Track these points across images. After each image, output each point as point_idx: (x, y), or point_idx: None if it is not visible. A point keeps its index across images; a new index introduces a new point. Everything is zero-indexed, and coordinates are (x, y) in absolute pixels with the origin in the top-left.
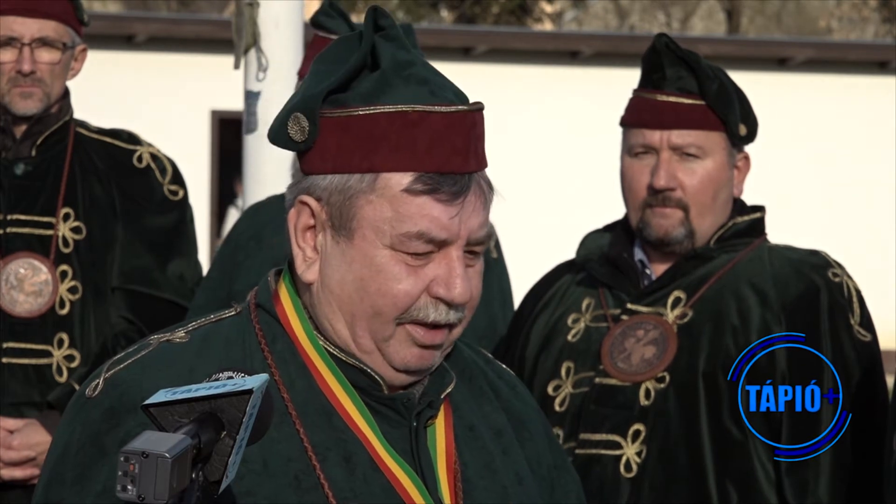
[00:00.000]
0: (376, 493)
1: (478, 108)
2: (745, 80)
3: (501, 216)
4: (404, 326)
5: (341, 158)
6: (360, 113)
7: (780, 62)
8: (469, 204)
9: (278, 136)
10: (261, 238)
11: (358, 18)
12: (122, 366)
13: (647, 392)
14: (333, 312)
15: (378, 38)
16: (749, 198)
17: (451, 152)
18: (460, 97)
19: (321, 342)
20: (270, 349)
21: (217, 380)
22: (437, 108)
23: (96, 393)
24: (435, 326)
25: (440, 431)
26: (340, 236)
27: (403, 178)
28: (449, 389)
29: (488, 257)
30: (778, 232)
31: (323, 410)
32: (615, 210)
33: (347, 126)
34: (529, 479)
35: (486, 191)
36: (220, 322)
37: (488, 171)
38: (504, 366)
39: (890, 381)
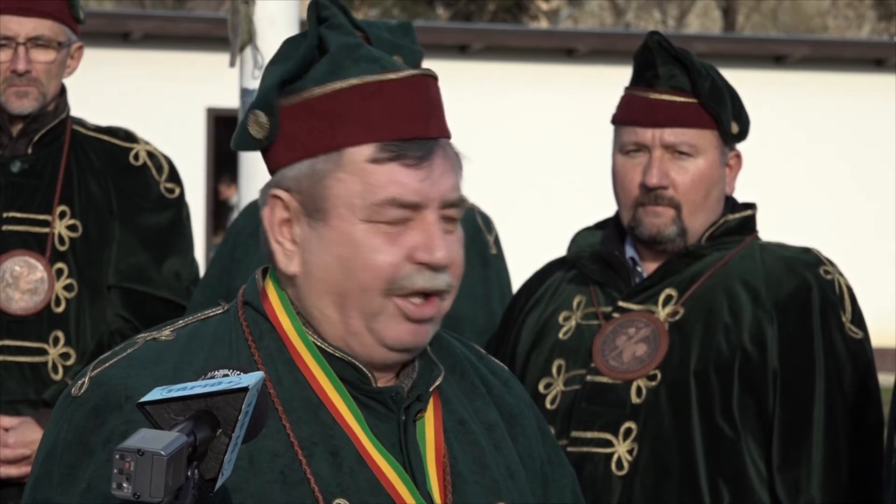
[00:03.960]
0: (363, 488)
1: (430, 74)
2: (741, 78)
3: (498, 212)
4: (393, 301)
5: (304, 144)
6: (317, 94)
7: (776, 60)
8: (437, 167)
9: (241, 138)
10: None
11: (355, 15)
12: (107, 364)
13: (639, 390)
14: (321, 299)
15: (323, 28)
16: (743, 195)
17: (411, 118)
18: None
19: (310, 336)
20: (257, 346)
21: (213, 377)
22: (390, 76)
23: (82, 392)
24: (424, 297)
25: (429, 425)
26: (316, 221)
27: (367, 150)
28: (437, 382)
29: (487, 253)
30: (772, 230)
31: (310, 405)
32: (611, 207)
33: (305, 110)
34: (521, 474)
35: (454, 156)
36: (207, 320)
37: (487, 168)
38: (497, 361)
39: (890, 379)
